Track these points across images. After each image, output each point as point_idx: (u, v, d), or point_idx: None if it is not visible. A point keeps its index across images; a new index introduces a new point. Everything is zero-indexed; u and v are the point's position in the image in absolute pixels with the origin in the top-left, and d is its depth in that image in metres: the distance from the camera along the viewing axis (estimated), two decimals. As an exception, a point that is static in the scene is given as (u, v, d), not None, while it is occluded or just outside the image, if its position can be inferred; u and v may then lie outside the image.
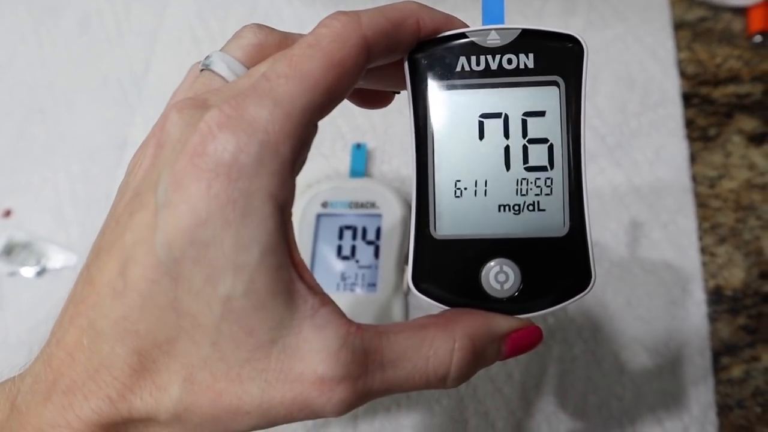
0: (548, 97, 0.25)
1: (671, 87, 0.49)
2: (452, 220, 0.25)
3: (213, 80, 0.24)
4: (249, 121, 0.20)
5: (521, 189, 0.25)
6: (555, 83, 0.25)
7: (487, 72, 0.25)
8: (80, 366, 0.21)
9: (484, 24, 0.25)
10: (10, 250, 0.51)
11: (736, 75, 0.50)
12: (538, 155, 0.25)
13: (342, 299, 0.43)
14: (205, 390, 0.21)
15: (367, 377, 0.22)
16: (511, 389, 0.41)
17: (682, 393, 0.40)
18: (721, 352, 0.41)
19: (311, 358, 0.21)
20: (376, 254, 0.44)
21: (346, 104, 0.53)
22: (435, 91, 0.25)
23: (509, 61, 0.25)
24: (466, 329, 0.23)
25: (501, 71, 0.25)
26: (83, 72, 0.59)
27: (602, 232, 0.45)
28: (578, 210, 0.25)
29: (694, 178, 0.46)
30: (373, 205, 0.46)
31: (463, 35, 0.25)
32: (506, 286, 0.25)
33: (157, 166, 0.21)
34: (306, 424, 0.42)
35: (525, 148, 0.25)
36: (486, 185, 0.25)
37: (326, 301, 0.22)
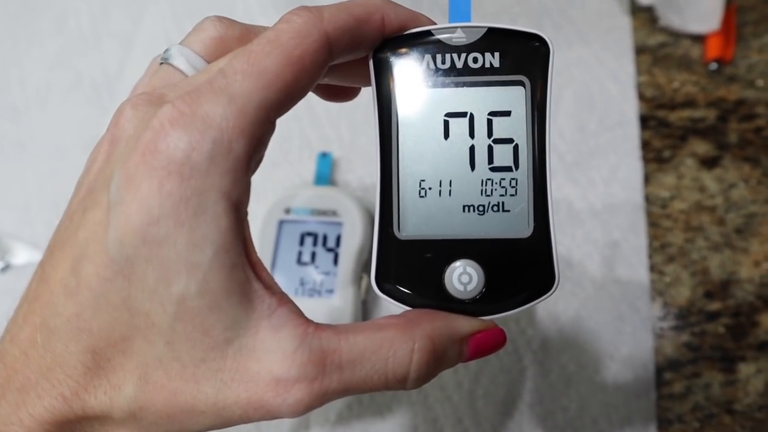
0: (514, 97, 0.25)
1: (629, 109, 0.51)
2: (416, 220, 0.25)
3: (172, 74, 0.24)
4: (202, 117, 0.20)
5: (486, 189, 0.25)
6: (521, 83, 0.25)
7: (453, 70, 0.25)
8: (34, 364, 0.20)
9: (450, 21, 0.25)
10: (-26, 245, 0.52)
11: (692, 100, 0.52)
12: (503, 155, 0.25)
13: (300, 304, 0.44)
14: (160, 389, 0.20)
15: (324, 378, 0.21)
16: (459, 397, 0.42)
17: (625, 406, 0.41)
18: (664, 368, 0.42)
19: (267, 358, 0.20)
20: (335, 261, 0.45)
21: (314, 113, 0.54)
22: (400, 89, 0.25)
23: (475, 60, 0.24)
24: (427, 330, 0.23)
25: (467, 70, 0.24)
26: (57, 71, 0.59)
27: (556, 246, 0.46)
28: (542, 211, 0.24)
29: (647, 198, 0.48)
30: (334, 213, 0.47)
31: (429, 33, 0.24)
32: (470, 287, 0.24)
33: (110, 163, 0.21)
34: (259, 425, 0.43)
35: (490, 148, 0.25)
36: (451, 185, 0.25)
37: (284, 300, 0.22)
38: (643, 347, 0.43)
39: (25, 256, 0.51)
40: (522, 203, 0.24)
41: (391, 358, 0.22)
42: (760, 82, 0.52)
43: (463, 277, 0.24)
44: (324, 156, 0.50)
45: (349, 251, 0.45)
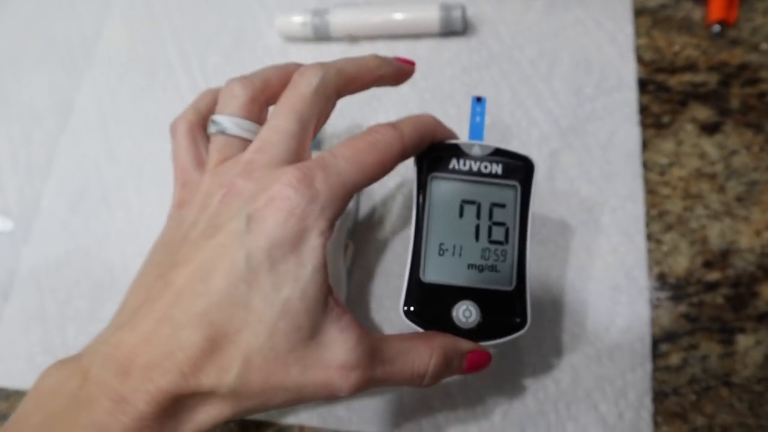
0: (508, 195, 0.36)
1: (628, 72, 0.49)
2: (435, 270, 0.35)
3: (234, 143, 0.31)
4: (317, 183, 0.28)
5: (485, 255, 0.35)
6: (514, 186, 0.36)
7: (470, 172, 0.35)
8: (157, 349, 0.26)
9: (470, 139, 0.37)
10: (-56, 214, 0.49)
11: (693, 63, 0.49)
12: (498, 233, 0.35)
13: None
14: (258, 371, 0.27)
15: (373, 368, 0.29)
16: (448, 370, 0.41)
17: (620, 378, 0.40)
18: (661, 339, 0.41)
19: (336, 350, 0.28)
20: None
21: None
22: (432, 179, 0.35)
23: (485, 167, 0.35)
24: (441, 344, 0.32)
25: (479, 173, 0.35)
26: (31, 34, 0.57)
27: (550, 214, 0.44)
28: (521, 273, 0.35)
29: (645, 165, 0.46)
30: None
31: (456, 146, 0.35)
32: (470, 320, 0.34)
33: (232, 207, 0.28)
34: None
35: (490, 228, 0.35)
36: (461, 249, 0.35)
37: (347, 311, 0.30)
38: (640, 318, 0.41)
39: (-3, 225, 0.49)
40: (509, 267, 0.35)
41: (416, 360, 0.31)
42: (765, 46, 0.50)
43: (465, 312, 0.34)
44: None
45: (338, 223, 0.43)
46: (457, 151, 0.35)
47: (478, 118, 0.38)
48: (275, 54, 0.52)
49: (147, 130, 0.51)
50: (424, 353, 0.31)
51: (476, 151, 0.36)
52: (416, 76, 0.50)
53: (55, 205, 0.49)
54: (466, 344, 0.33)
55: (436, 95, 0.49)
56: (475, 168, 0.35)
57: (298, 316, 0.27)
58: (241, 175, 0.29)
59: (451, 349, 0.32)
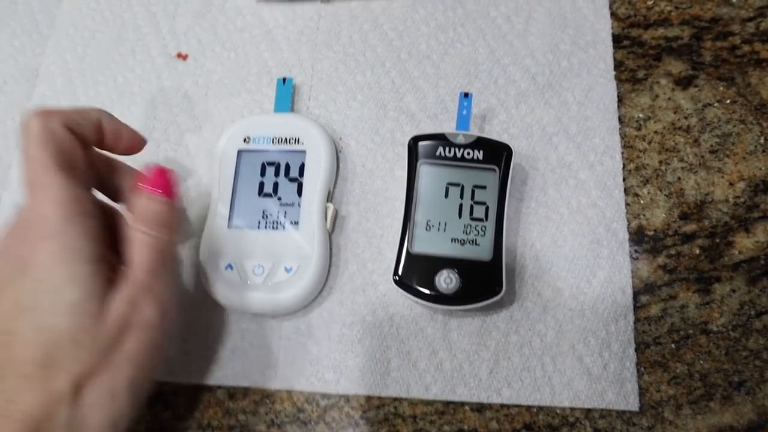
0: (489, 178, 0.41)
1: (602, 28, 0.49)
2: (422, 243, 0.40)
3: None
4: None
5: (466, 230, 0.40)
6: (494, 169, 0.41)
7: (454, 158, 0.41)
8: None
9: (456, 129, 0.42)
10: None
11: (666, 18, 0.50)
12: (479, 211, 0.40)
13: (264, 237, 0.42)
14: None
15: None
16: (433, 330, 0.41)
17: (603, 330, 0.40)
18: (641, 291, 0.42)
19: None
20: (299, 191, 0.43)
21: (272, 37, 0.50)
22: (421, 165, 0.41)
23: (468, 153, 0.41)
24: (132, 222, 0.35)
25: (462, 159, 0.41)
26: (-12, -3, 0.54)
27: (530, 171, 0.44)
28: (498, 247, 0.39)
29: (621, 120, 0.46)
30: (297, 141, 0.44)
31: (443, 135, 0.41)
32: (450, 286, 0.39)
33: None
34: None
35: (471, 207, 0.40)
36: (446, 225, 0.40)
37: None
38: (621, 270, 0.42)
39: (-36, 198, 0.47)
40: (488, 241, 0.40)
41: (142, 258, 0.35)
42: (735, 0, 0.50)
43: (446, 279, 0.39)
44: (284, 82, 0.47)
45: (313, 180, 0.43)
46: (444, 140, 0.41)
47: (464, 111, 0.42)
48: (248, 15, 0.51)
49: (117, 95, 0.49)
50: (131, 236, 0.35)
51: (460, 139, 0.41)
52: (392, 35, 0.50)
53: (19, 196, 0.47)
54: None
55: (412, 54, 0.49)
56: (459, 154, 0.41)
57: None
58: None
59: (141, 216, 0.35)
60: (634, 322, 0.41)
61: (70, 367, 0.30)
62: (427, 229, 0.40)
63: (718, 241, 0.43)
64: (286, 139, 0.44)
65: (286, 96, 0.46)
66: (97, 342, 0.31)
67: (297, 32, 0.50)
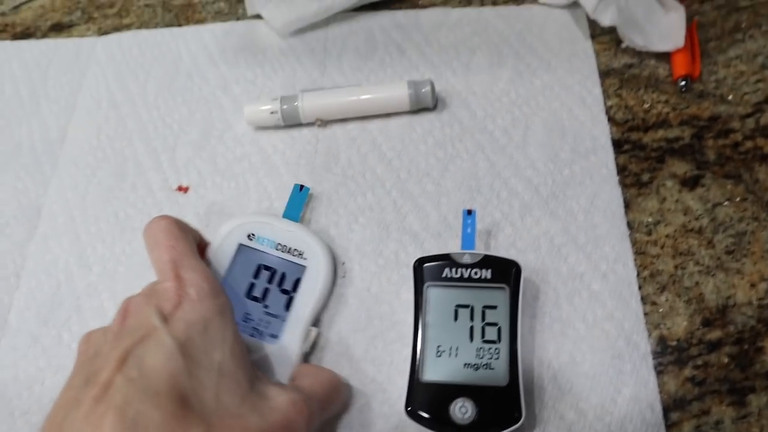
0: (499, 297, 0.39)
1: (601, 134, 0.49)
2: (433, 370, 0.38)
3: None
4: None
5: (479, 354, 0.38)
6: (503, 288, 0.39)
7: (461, 278, 0.40)
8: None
9: (462, 248, 0.41)
10: None
11: (664, 119, 0.50)
12: (491, 333, 0.39)
13: None
14: (219, 429, 0.30)
15: (311, 401, 0.35)
16: (453, 462, 0.38)
17: (634, 454, 0.38)
18: (670, 407, 0.39)
19: (277, 393, 0.34)
20: (288, 306, 0.42)
21: (271, 161, 0.50)
22: (428, 287, 0.40)
23: (475, 273, 0.40)
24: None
25: (470, 279, 0.40)
26: (-6, 141, 0.56)
27: (541, 285, 0.43)
28: (514, 369, 0.37)
29: (631, 225, 0.45)
30: (300, 254, 0.43)
31: (448, 256, 0.40)
32: (466, 416, 0.37)
33: (138, 316, 0.34)
34: None
35: (483, 329, 0.39)
36: (457, 350, 0.38)
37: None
38: (647, 385, 0.39)
39: (-36, 345, 0.46)
40: (502, 364, 0.38)
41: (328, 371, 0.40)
42: (731, 97, 0.50)
43: (462, 408, 0.37)
44: (301, 190, 0.46)
45: (305, 299, 0.42)
46: (450, 261, 0.40)
47: (469, 230, 0.42)
48: (246, 143, 0.52)
49: (119, 231, 0.49)
50: (328, 375, 0.40)
51: (467, 259, 0.40)
52: (390, 155, 0.50)
53: (24, 319, 0.46)
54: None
55: (412, 173, 0.49)
56: (466, 275, 0.40)
57: (234, 372, 0.33)
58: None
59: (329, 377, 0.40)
60: (668, 443, 0.38)
61: None
62: (437, 355, 0.38)
63: (746, 347, 0.40)
64: (289, 248, 0.43)
65: (299, 204, 0.45)
66: None
67: (296, 156, 0.50)
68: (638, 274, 0.43)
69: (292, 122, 0.51)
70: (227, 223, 0.44)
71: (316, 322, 0.42)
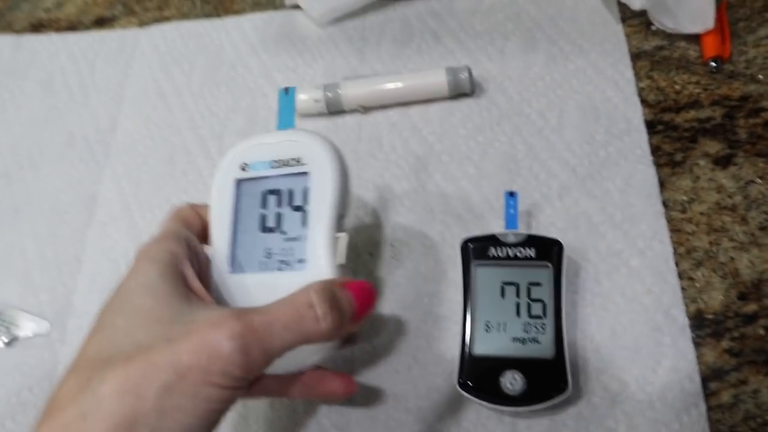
0: (543, 274, 0.41)
1: (634, 115, 0.50)
2: (483, 344, 0.40)
3: None
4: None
5: (526, 329, 0.40)
6: (547, 266, 0.41)
7: (507, 257, 0.42)
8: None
9: (506, 228, 0.43)
10: (-23, 321, 0.49)
11: (696, 100, 0.51)
12: (536, 309, 0.41)
13: (269, 281, 0.36)
14: (122, 366, 0.28)
15: (246, 317, 0.30)
16: (502, 430, 0.41)
17: (676, 422, 0.40)
18: (708, 378, 0.41)
19: (203, 318, 0.30)
20: (304, 222, 0.36)
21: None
22: (476, 266, 0.42)
23: (520, 252, 0.42)
24: (312, 284, 0.33)
25: (515, 258, 0.42)
26: (48, 132, 0.58)
27: (581, 262, 0.45)
28: (560, 343, 0.39)
29: (666, 204, 0.47)
30: (298, 161, 0.37)
31: (494, 236, 0.42)
32: (516, 387, 0.39)
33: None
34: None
35: (528, 305, 0.41)
36: (505, 325, 0.41)
37: (215, 304, 0.34)
38: (685, 357, 0.41)
39: (32, 328, 0.49)
40: (548, 338, 0.40)
41: (294, 298, 0.32)
42: (761, 76, 0.51)
43: (512, 380, 0.39)
44: (287, 93, 0.40)
45: (319, 207, 0.36)
46: (495, 241, 0.42)
47: (512, 210, 0.43)
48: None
49: (173, 217, 0.52)
50: (300, 293, 0.32)
51: (511, 238, 0.42)
52: (431, 139, 0.52)
53: (89, 302, 0.49)
54: (337, 279, 0.34)
55: (453, 157, 0.50)
56: (511, 254, 0.42)
57: (152, 308, 0.31)
58: None
59: (324, 284, 0.33)
60: (707, 411, 0.40)
61: None
62: (487, 330, 0.41)
63: (780, 319, 0.42)
64: (286, 161, 0.37)
65: (290, 109, 0.39)
66: None
67: (340, 143, 0.51)
68: (674, 251, 0.45)
69: (335, 109, 0.53)
70: (218, 165, 0.39)
71: (341, 227, 0.37)
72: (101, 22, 0.65)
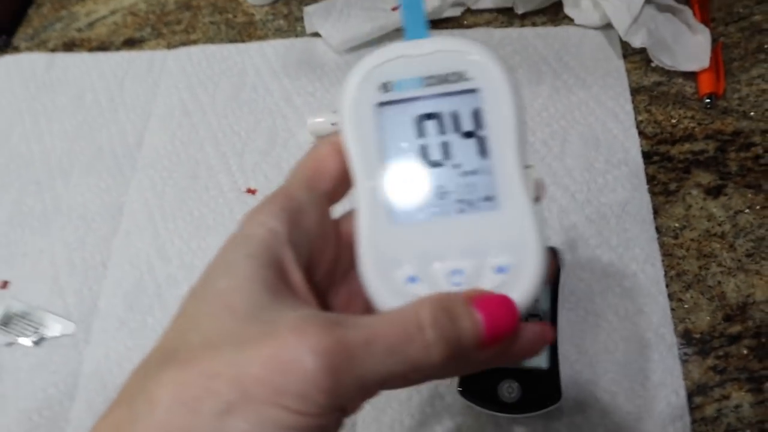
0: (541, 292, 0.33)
1: (632, 146, 0.54)
2: None
3: None
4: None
5: None
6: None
7: None
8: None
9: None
10: (7, 321, 0.52)
11: (690, 134, 0.54)
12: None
13: (451, 227, 0.28)
14: (183, 363, 0.23)
15: (340, 329, 0.23)
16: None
17: (661, 432, 0.42)
18: (694, 392, 0.44)
19: (286, 315, 0.24)
20: (483, 150, 0.28)
21: None
22: None
23: None
24: (428, 296, 0.25)
25: None
26: (78, 145, 0.61)
27: (577, 283, 0.48)
28: (554, 355, 0.42)
29: (659, 230, 0.50)
30: (460, 76, 0.29)
31: None
32: (512, 395, 0.42)
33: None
34: None
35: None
36: None
37: (311, 306, 0.26)
38: (672, 373, 0.44)
39: (58, 328, 0.52)
40: (544, 350, 0.42)
41: (402, 313, 0.24)
42: (753, 113, 0.55)
43: (509, 389, 0.42)
44: None
45: (501, 131, 0.28)
46: None
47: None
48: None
49: (194, 228, 0.55)
50: (410, 307, 0.24)
51: None
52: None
53: (113, 305, 0.52)
54: (464, 291, 0.26)
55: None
56: None
57: (233, 298, 0.24)
58: None
59: (443, 297, 0.25)
60: (691, 423, 0.42)
61: None
62: None
63: (764, 340, 0.45)
64: (445, 76, 0.29)
65: (418, 13, 0.30)
66: None
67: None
68: (665, 274, 0.48)
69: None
70: (344, 87, 0.29)
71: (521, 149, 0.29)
72: (131, 43, 0.68)
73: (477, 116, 0.29)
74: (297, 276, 0.26)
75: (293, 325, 0.23)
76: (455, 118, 0.29)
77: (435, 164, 0.29)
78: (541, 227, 0.27)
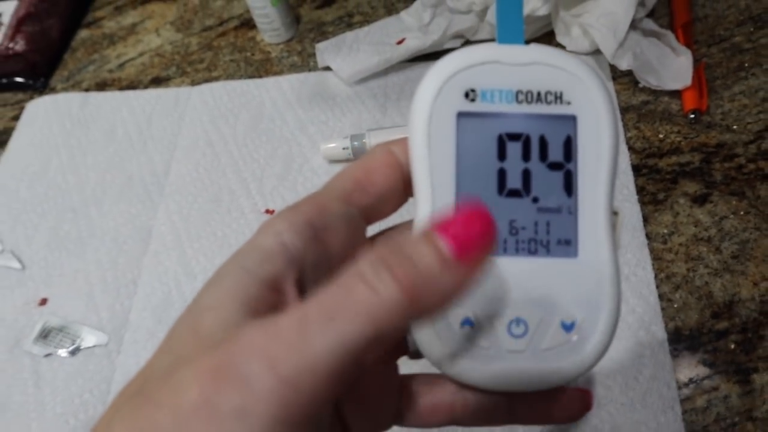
0: None
1: (623, 160, 0.57)
2: None
3: None
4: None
5: None
6: None
7: None
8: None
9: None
10: (46, 334, 0.57)
11: (677, 147, 0.58)
12: None
13: (519, 269, 0.25)
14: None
15: (270, 319, 0.19)
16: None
17: (653, 421, 0.45)
18: (685, 385, 0.46)
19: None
20: (568, 187, 0.25)
21: None
22: None
23: None
24: (376, 251, 0.20)
25: None
26: (110, 175, 0.67)
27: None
28: None
29: (649, 236, 0.53)
30: (559, 98, 0.25)
31: None
32: None
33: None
34: None
35: None
36: None
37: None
38: (664, 368, 0.47)
39: (92, 340, 0.56)
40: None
41: (342, 279, 0.19)
42: (736, 126, 0.58)
43: None
44: None
45: (592, 168, 0.25)
46: None
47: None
48: (322, 174, 0.62)
49: (218, 247, 0.59)
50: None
51: None
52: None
53: (142, 318, 0.56)
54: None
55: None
56: None
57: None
58: None
59: (394, 242, 0.20)
60: (682, 413, 0.45)
61: None
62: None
63: (750, 335, 0.48)
64: (539, 93, 0.25)
65: (517, 14, 0.25)
66: None
67: (363, 184, 0.60)
68: (656, 276, 0.51)
69: (360, 156, 0.61)
70: (424, 85, 0.26)
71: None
72: (157, 81, 0.74)
73: (568, 146, 0.25)
74: (293, 297, 0.23)
75: (232, 330, 0.20)
76: (543, 145, 0.25)
77: (512, 193, 0.25)
78: (620, 283, 0.25)
